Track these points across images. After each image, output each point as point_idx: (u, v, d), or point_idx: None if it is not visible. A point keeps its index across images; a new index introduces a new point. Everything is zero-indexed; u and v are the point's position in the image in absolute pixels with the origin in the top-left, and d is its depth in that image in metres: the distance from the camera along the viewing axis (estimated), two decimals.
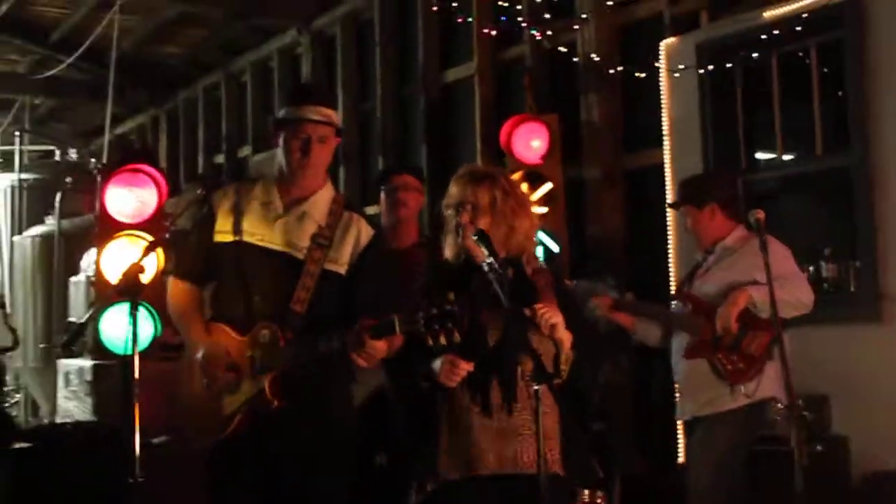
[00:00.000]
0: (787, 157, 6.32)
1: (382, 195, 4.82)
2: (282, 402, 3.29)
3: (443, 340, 3.06)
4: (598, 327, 4.96)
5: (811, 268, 5.54)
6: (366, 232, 3.47)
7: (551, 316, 3.19)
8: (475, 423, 3.26)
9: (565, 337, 3.22)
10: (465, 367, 3.18)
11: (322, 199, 3.47)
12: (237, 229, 3.44)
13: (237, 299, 3.41)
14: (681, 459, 5.83)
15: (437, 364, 3.23)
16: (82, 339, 5.93)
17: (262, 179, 3.57)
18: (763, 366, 4.31)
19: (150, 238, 5.35)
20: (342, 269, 3.43)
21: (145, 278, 3.72)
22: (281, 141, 3.45)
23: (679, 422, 5.54)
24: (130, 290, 3.33)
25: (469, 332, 3.20)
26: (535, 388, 3.01)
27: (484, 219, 3.35)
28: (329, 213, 3.44)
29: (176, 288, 3.58)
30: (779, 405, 4.39)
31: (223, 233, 3.47)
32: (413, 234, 4.76)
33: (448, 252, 3.44)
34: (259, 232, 3.42)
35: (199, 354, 3.39)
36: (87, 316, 3.54)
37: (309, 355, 3.26)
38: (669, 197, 6.15)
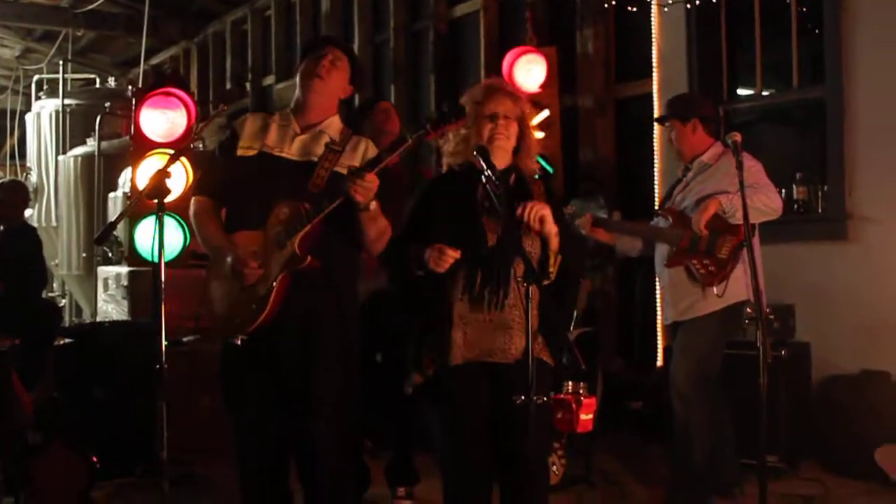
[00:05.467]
0: (765, 91, 6.26)
1: (368, 122, 4.79)
2: (314, 261, 3.25)
3: (451, 137, 3.29)
4: (587, 243, 4.96)
5: (783, 190, 5.49)
6: (372, 148, 3.45)
7: (540, 209, 3.17)
8: (470, 317, 3.25)
9: (552, 230, 3.19)
10: (452, 255, 3.15)
11: (334, 124, 3.48)
12: (260, 145, 3.43)
13: (258, 205, 3.36)
14: (659, 363, 5.88)
15: (426, 253, 3.20)
16: (114, 238, 5.94)
17: (278, 111, 3.58)
18: (731, 268, 4.29)
19: None
20: None
21: (175, 191, 3.69)
22: (301, 67, 3.47)
23: (658, 326, 5.58)
24: (156, 195, 3.31)
25: (468, 233, 3.22)
26: (526, 286, 3.01)
27: (515, 131, 3.33)
28: (340, 133, 3.46)
29: (198, 203, 3.54)
30: (748, 310, 4.40)
31: (246, 148, 3.46)
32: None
33: (453, 153, 3.36)
34: (279, 146, 3.43)
35: (229, 260, 3.35)
36: (116, 216, 3.47)
37: (327, 203, 3.19)
38: (656, 114, 6.10)
